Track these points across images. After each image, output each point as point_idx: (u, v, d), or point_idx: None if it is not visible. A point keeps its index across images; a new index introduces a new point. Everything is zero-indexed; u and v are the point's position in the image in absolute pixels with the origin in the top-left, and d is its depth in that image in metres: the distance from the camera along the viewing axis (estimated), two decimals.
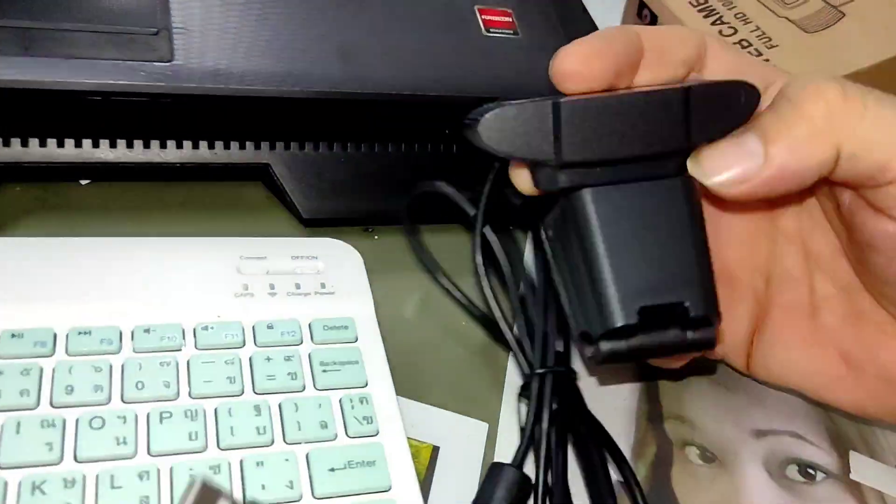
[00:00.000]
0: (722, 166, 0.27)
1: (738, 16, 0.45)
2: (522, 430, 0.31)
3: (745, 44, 0.44)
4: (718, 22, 0.45)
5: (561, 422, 0.30)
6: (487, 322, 0.35)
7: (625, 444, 0.33)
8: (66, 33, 0.33)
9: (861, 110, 0.26)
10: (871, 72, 0.43)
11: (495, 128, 0.26)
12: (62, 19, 0.34)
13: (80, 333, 0.30)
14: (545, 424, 0.30)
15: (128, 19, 0.35)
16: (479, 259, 0.32)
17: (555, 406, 0.30)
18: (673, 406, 0.35)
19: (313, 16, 0.37)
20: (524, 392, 0.32)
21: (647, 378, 0.35)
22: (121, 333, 0.30)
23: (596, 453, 0.31)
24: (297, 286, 0.33)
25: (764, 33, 0.45)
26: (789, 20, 0.45)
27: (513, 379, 0.34)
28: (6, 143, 0.33)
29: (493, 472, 0.29)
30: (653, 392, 0.35)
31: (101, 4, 0.35)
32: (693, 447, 0.34)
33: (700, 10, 0.46)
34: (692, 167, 0.27)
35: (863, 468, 0.34)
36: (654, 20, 0.48)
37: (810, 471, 0.34)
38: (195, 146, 0.35)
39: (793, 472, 0.33)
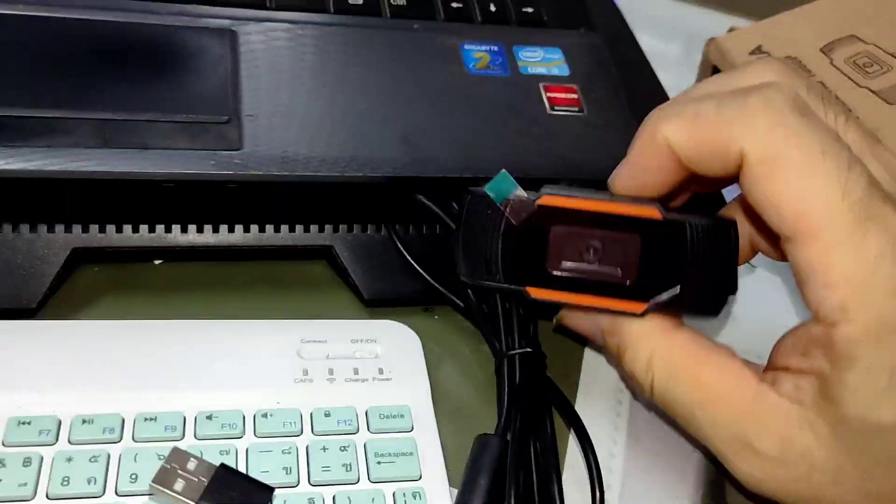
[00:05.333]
0: None
1: None
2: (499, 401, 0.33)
3: None
4: None
5: (530, 396, 0.33)
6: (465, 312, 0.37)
7: None
8: (143, 124, 0.35)
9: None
10: None
11: None
12: (139, 109, 0.35)
13: (146, 420, 0.31)
14: (509, 398, 0.32)
15: (201, 107, 0.36)
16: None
17: (523, 383, 0.33)
18: None
19: (378, 100, 0.38)
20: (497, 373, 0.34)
21: (712, 474, 0.34)
22: (184, 419, 0.31)
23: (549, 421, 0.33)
24: (356, 371, 0.34)
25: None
26: (870, 90, 0.43)
27: (573, 472, 0.33)
28: (85, 230, 0.35)
29: (478, 442, 0.32)
30: (718, 490, 0.34)
31: (177, 93, 0.36)
32: None
33: None
34: None
35: None
36: None
37: None
38: (261, 230, 0.36)
39: None
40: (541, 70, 0.41)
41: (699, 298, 0.29)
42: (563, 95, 0.41)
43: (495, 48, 0.42)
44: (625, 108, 0.41)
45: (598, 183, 0.39)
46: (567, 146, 0.39)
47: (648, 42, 0.51)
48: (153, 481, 0.28)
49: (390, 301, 0.37)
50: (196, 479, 0.28)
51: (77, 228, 0.34)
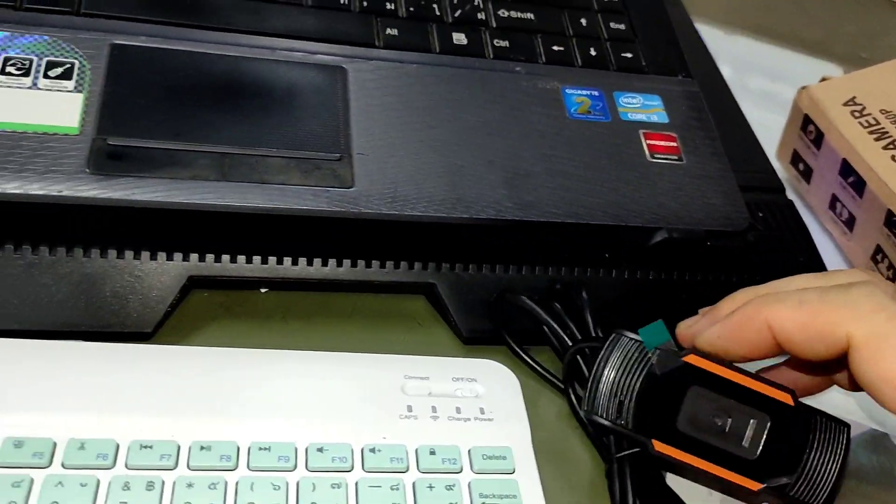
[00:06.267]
0: None
1: None
2: None
3: None
4: (891, 146, 0.44)
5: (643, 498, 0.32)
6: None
7: None
8: (259, 159, 0.36)
9: None
10: None
11: None
12: (255, 144, 0.36)
13: (260, 449, 0.32)
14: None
15: (314, 143, 0.37)
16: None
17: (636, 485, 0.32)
18: None
19: (483, 142, 0.39)
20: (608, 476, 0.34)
21: None
22: (295, 450, 0.32)
23: None
24: (458, 410, 0.35)
25: None
26: None
27: None
28: (201, 259, 0.36)
29: None
30: None
31: (290, 129, 0.37)
32: None
33: (871, 133, 0.45)
34: None
35: None
36: (819, 137, 0.48)
37: None
38: (368, 265, 0.37)
39: None
40: (640, 117, 0.42)
41: (811, 491, 0.30)
42: (662, 143, 0.41)
43: (596, 93, 0.42)
44: (723, 158, 0.41)
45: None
46: (666, 195, 0.39)
47: None
48: None
49: (488, 340, 0.38)
50: None
51: (194, 257, 0.36)
